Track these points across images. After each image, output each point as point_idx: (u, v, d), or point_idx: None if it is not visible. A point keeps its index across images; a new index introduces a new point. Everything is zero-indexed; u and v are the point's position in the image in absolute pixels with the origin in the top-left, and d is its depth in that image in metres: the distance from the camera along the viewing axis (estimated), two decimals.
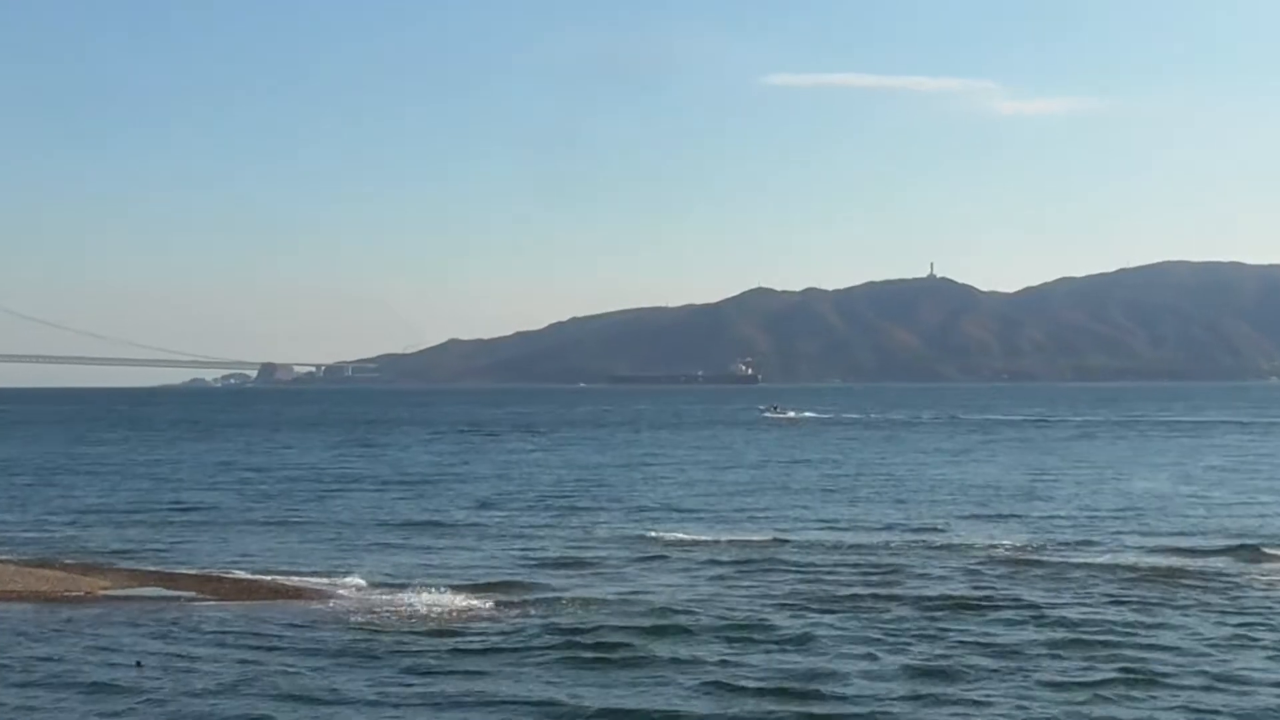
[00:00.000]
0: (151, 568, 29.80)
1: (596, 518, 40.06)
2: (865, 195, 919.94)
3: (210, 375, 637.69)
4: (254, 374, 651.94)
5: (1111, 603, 24.63)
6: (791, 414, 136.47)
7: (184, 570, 29.33)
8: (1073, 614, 23.52)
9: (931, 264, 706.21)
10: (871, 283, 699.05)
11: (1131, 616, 23.30)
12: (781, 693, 17.97)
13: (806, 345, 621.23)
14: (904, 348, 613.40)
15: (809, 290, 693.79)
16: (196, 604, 25.13)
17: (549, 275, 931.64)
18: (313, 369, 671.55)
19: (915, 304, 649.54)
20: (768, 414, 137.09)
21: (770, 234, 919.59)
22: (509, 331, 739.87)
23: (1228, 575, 27.74)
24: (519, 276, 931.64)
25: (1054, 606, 24.22)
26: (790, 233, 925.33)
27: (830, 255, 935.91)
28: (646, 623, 22.55)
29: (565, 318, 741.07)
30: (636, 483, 53.33)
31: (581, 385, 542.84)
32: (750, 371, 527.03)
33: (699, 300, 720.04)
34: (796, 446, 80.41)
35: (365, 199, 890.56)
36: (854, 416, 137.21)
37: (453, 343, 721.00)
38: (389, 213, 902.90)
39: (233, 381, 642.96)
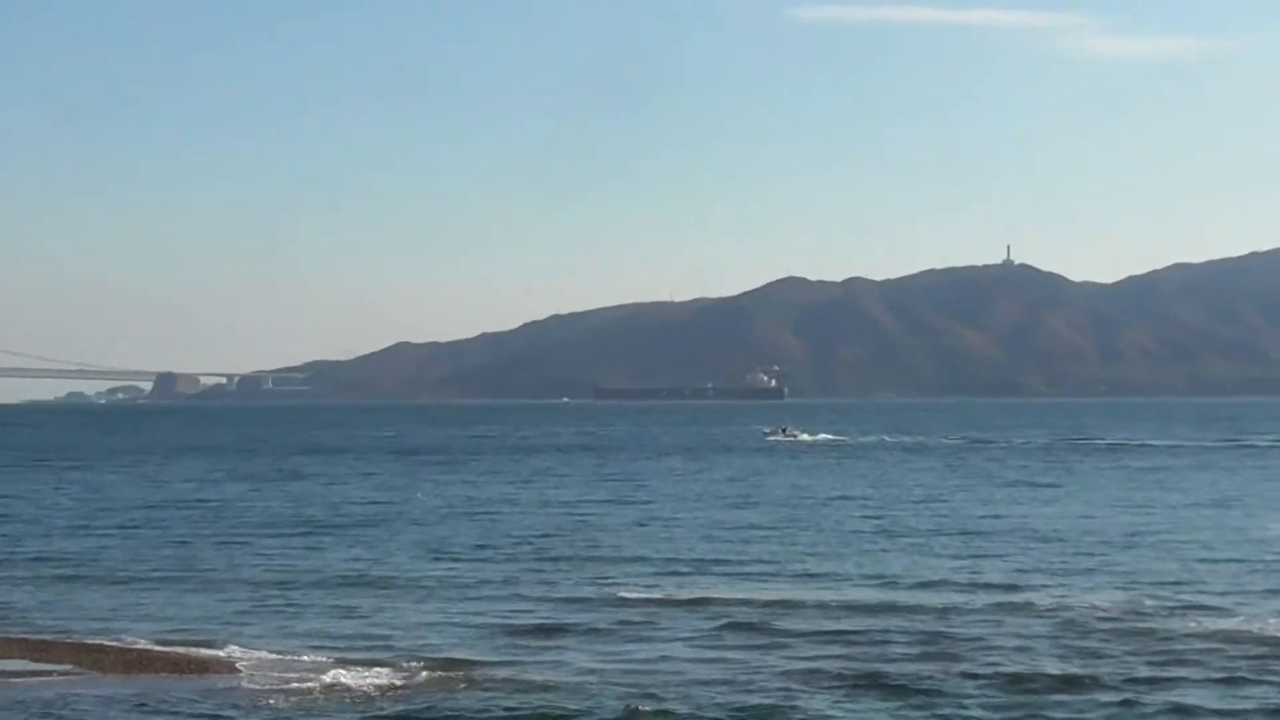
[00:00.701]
0: (15, 634, 29.75)
1: (576, 572, 40.14)
2: (924, 160, 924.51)
3: (92, 389, 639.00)
4: (148, 387, 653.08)
5: (1241, 682, 24.54)
6: (804, 436, 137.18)
7: (57, 638, 29.30)
8: (1190, 697, 23.41)
9: (1008, 247, 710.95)
10: (931, 271, 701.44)
11: (1271, 699, 23.21)
12: None
13: (849, 350, 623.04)
14: (973, 353, 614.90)
15: (852, 281, 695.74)
16: (74, 680, 25.13)
17: (524, 263, 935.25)
18: (222, 380, 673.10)
19: (988, 298, 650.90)
20: (773, 436, 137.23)
21: (803, 209, 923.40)
22: (473, 333, 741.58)
23: None
24: (486, 264, 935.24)
25: (1165, 687, 24.13)
26: (828, 208, 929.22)
27: (879, 236, 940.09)
28: (628, 708, 22.42)
29: (544, 315, 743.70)
30: (628, 526, 53.47)
31: (564, 400, 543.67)
32: (774, 383, 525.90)
33: (712, 294, 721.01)
34: (830, 479, 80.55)
35: (290, 175, 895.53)
36: (904, 440, 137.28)
37: (402, 347, 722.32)
38: (319, 192, 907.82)
39: (121, 396, 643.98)
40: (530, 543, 47.55)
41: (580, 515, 58.15)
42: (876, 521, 54.30)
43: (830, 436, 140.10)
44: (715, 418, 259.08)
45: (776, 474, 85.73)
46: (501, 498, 68.29)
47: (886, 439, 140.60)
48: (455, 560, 43.01)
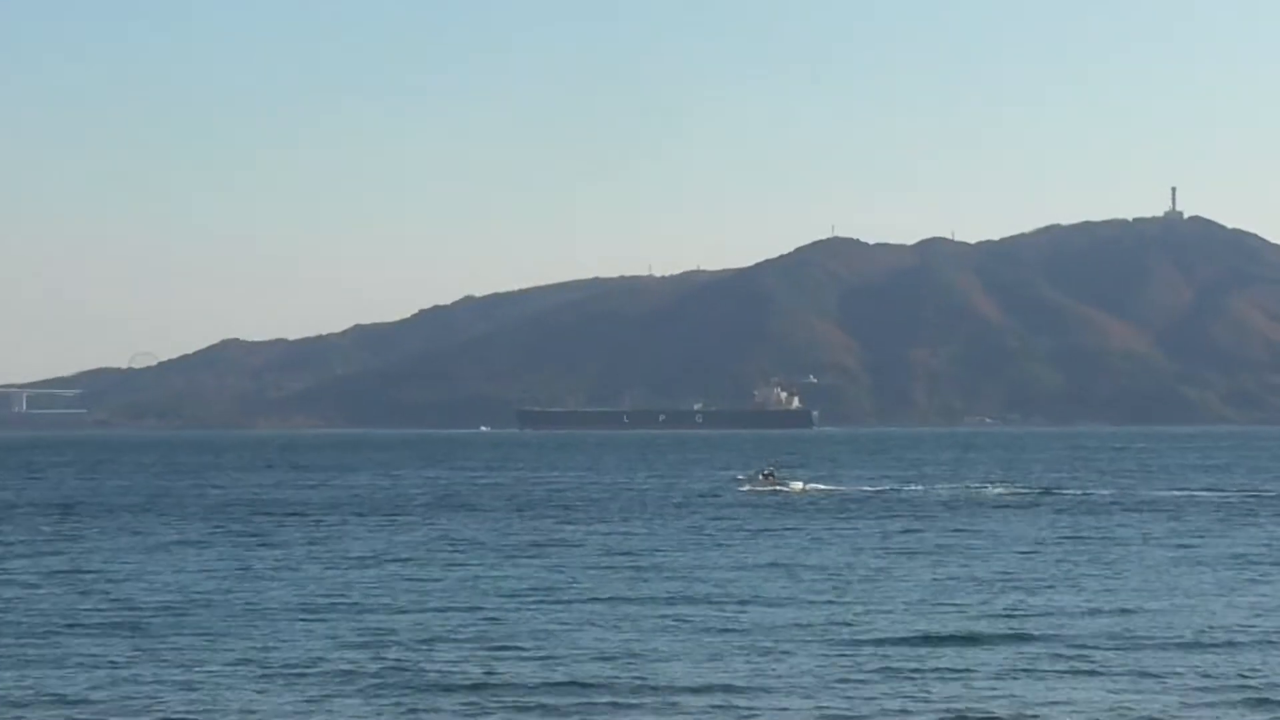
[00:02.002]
0: None
1: (501, 711, 39.70)
2: (1044, 59, 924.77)
3: None
4: None
5: None
6: (797, 485, 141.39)
7: None
8: None
9: (1173, 192, 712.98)
10: (1053, 229, 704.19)
11: None
12: None
13: (924, 351, 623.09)
14: (1116, 354, 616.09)
15: (930, 244, 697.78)
16: None
17: (420, 219, 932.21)
18: None
19: (1141, 270, 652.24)
20: (750, 485, 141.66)
21: (854, 135, 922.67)
22: (341, 325, 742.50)
23: None
24: (360, 221, 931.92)
25: None
26: (894, 132, 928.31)
27: (972, 177, 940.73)
28: None
29: (450, 299, 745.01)
30: (568, 628, 53.18)
31: (483, 429, 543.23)
32: (797, 403, 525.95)
33: (713, 265, 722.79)
34: (882, 552, 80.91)
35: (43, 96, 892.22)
36: (993, 489, 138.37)
37: (230, 349, 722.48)
38: (96, 124, 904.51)
39: None
40: (428, 652, 47.17)
41: (525, 614, 57.88)
42: (1000, 627, 53.65)
43: (823, 486, 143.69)
44: (698, 456, 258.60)
45: (814, 548, 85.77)
46: (384, 583, 68.15)
47: (970, 485, 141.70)
48: (307, 681, 42.75)
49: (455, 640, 50.47)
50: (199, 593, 64.97)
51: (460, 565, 76.27)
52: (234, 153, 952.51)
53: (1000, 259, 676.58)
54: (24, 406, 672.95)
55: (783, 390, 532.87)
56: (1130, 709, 38.34)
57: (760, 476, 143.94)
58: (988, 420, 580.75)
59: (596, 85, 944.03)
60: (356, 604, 60.54)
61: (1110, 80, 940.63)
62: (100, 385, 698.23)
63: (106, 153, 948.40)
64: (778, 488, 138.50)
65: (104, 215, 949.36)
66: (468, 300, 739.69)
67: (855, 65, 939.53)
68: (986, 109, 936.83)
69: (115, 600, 62.62)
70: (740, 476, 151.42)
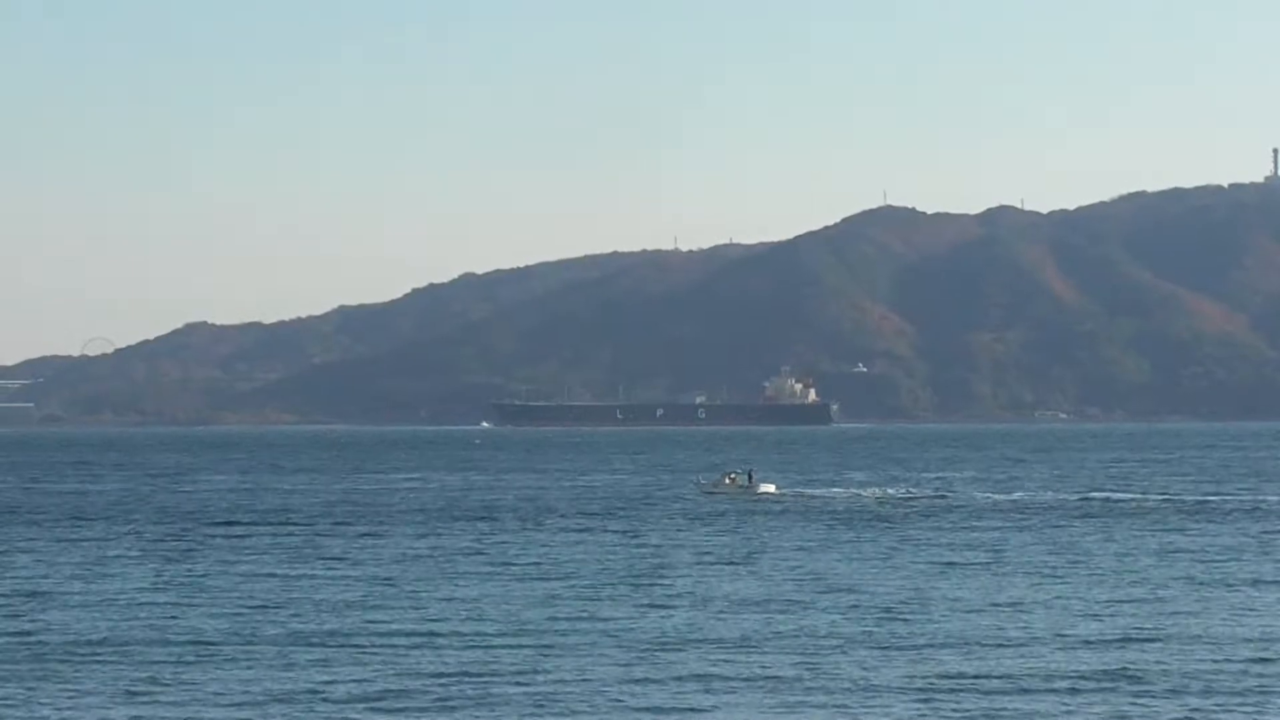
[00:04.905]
0: None
1: None
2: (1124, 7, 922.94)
3: None
4: None
5: None
6: (769, 487, 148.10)
7: None
8: None
9: (1275, 153, 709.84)
10: (1138, 197, 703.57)
11: None
12: None
13: (992, 337, 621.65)
14: (1209, 337, 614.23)
15: (996, 214, 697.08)
16: None
17: (414, 189, 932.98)
18: None
19: (1236, 242, 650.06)
20: (715, 488, 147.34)
21: (909, 92, 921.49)
22: (323, 307, 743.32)
23: None
24: (344, 189, 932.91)
25: None
26: (951, 85, 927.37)
27: (1044, 137, 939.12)
28: None
29: (447, 277, 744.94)
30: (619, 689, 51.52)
31: (484, 425, 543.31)
32: (814, 396, 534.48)
33: (746, 238, 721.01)
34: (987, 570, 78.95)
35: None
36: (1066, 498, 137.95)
37: (197, 333, 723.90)
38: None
39: None
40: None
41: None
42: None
43: (773, 488, 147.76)
44: (693, 454, 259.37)
45: (804, 558, 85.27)
46: (383, 596, 68.73)
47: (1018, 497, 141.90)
48: None
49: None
50: (146, 601, 64.33)
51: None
52: (203, 113, 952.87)
53: (1076, 231, 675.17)
54: None
55: (796, 381, 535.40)
56: None
57: (726, 479, 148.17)
58: (1062, 415, 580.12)
59: (617, 34, 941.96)
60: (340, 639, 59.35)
61: (1202, 26, 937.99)
62: (49, 375, 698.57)
63: (56, 114, 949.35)
64: (743, 489, 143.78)
65: (53, 183, 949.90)
66: (466, 279, 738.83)
67: (910, 7, 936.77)
68: (1060, 59, 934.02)
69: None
70: (702, 480, 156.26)
